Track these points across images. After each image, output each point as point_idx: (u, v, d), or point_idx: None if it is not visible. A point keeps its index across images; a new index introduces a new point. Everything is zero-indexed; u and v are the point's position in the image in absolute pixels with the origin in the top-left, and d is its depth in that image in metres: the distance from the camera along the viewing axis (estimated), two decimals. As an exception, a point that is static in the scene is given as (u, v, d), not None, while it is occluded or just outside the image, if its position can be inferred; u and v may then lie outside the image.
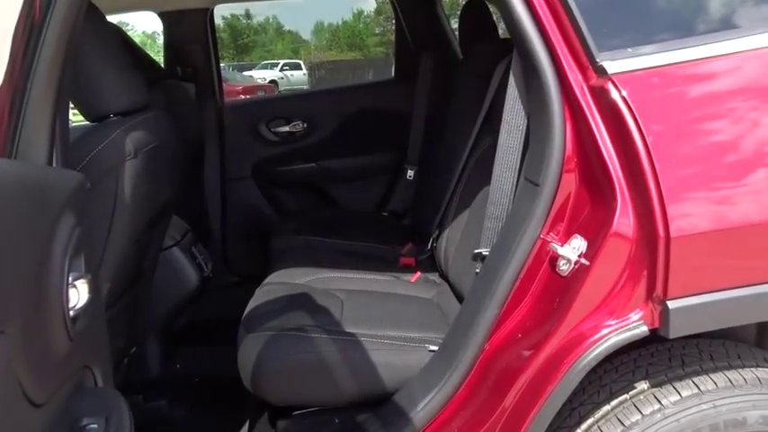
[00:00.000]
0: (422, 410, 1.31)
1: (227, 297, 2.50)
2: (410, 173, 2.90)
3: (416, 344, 1.51)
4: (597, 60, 1.16)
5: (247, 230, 2.92)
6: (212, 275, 2.72)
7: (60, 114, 1.04)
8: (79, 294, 0.84)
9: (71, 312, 0.83)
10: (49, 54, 0.97)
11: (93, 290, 0.92)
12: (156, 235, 1.81)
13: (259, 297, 1.74)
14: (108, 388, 0.99)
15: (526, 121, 1.35)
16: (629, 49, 1.17)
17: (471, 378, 1.31)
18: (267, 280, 1.93)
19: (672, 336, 1.12)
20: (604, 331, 1.16)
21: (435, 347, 1.48)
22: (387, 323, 1.61)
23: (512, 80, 1.35)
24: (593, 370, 1.17)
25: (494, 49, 2.01)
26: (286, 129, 2.90)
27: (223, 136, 2.85)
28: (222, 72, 2.98)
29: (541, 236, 1.25)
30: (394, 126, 2.88)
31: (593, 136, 1.17)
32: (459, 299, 1.80)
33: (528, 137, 1.34)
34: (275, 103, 3.23)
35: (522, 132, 1.36)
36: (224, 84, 3.02)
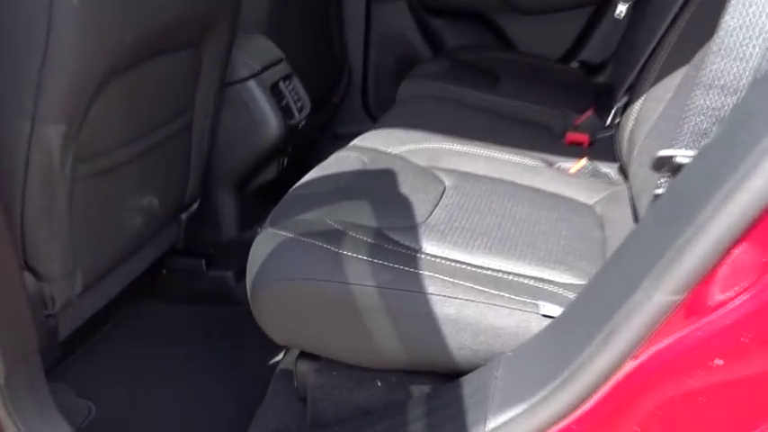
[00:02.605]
0: (492, 433, 0.71)
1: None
2: (620, 8, 2.00)
3: (522, 297, 0.86)
4: None
5: (393, 67, 2.30)
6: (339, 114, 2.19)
7: None
8: None
9: None
10: None
11: None
12: (205, 62, 1.30)
13: (324, 168, 1.18)
14: None
15: None
16: None
17: (601, 403, 0.66)
18: (354, 142, 1.35)
19: None
20: None
21: (554, 311, 0.83)
22: (493, 242, 0.97)
23: None
24: None
25: None
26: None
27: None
28: None
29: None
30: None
31: None
32: (637, 218, 1.08)
33: None
34: None
35: None
36: None
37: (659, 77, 1.15)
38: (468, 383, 0.81)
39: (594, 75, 2.06)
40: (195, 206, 1.53)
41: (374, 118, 2.34)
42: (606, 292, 0.67)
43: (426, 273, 0.86)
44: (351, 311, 0.85)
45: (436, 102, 1.65)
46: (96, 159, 1.08)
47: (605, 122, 1.55)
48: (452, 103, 1.66)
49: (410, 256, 0.90)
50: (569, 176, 1.27)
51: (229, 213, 1.65)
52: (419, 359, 0.87)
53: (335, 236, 0.92)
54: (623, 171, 1.27)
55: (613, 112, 1.27)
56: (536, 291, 0.87)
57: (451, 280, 0.86)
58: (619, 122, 1.24)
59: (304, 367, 0.98)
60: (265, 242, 0.93)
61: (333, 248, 0.88)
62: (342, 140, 2.21)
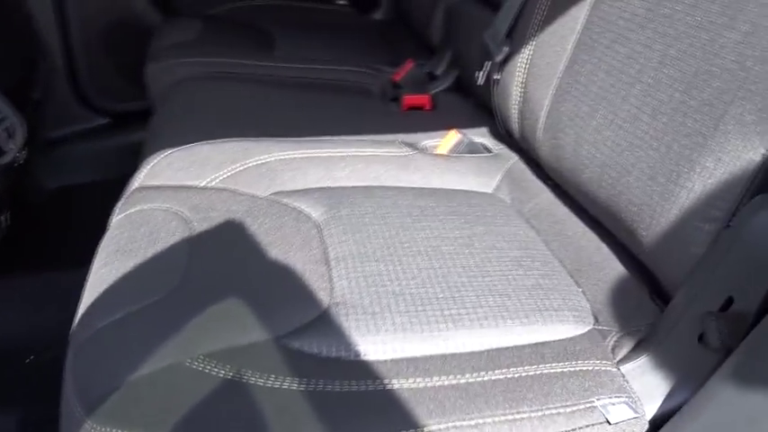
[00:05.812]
0: None
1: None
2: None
3: (556, 402, 0.55)
4: None
5: (112, 35, 1.70)
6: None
7: None
8: None
9: None
10: None
11: None
12: None
13: (120, 251, 0.69)
14: None
15: None
16: None
17: None
18: (143, 181, 0.86)
19: None
20: None
21: (619, 412, 0.54)
22: (446, 305, 0.64)
23: None
24: None
25: None
26: None
27: None
28: None
29: None
30: None
31: None
32: (570, 202, 0.83)
33: None
34: None
35: None
36: None
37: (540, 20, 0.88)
38: None
39: (368, 12, 1.75)
40: None
41: (99, 109, 1.75)
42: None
43: (406, 407, 0.50)
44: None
45: (215, 87, 1.20)
46: None
47: (433, 74, 1.27)
48: (237, 86, 1.22)
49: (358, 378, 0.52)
50: (451, 161, 0.97)
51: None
52: None
53: (224, 394, 0.49)
54: (508, 142, 1.01)
55: (484, 69, 0.98)
56: (553, 375, 0.57)
57: (437, 407, 0.51)
58: (497, 82, 0.96)
59: None
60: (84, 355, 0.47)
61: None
62: (60, 146, 1.62)
